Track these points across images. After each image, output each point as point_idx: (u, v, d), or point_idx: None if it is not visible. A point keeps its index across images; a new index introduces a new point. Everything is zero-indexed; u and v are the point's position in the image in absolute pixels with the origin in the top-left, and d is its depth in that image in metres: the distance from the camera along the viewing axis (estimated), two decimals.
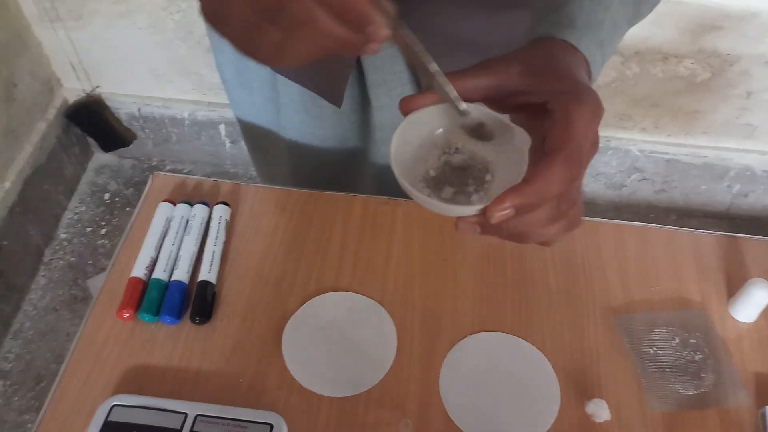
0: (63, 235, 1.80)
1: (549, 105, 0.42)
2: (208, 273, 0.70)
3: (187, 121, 1.82)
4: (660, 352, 0.66)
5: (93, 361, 0.66)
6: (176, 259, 0.72)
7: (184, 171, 1.96)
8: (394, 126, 0.45)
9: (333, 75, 0.75)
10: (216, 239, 0.73)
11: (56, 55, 1.69)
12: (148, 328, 0.68)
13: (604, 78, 1.53)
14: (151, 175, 0.83)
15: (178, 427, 0.59)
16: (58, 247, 1.78)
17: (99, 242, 1.79)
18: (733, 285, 0.71)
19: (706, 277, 0.73)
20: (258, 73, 0.82)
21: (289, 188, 0.80)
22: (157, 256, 0.72)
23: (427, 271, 0.73)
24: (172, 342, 0.67)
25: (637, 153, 1.69)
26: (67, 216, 1.84)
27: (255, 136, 0.94)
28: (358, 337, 0.67)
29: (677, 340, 0.67)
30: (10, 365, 1.56)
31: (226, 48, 0.80)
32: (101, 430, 0.59)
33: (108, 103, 1.80)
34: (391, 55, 0.72)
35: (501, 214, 0.40)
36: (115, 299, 0.69)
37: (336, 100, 0.78)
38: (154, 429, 0.59)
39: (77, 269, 1.73)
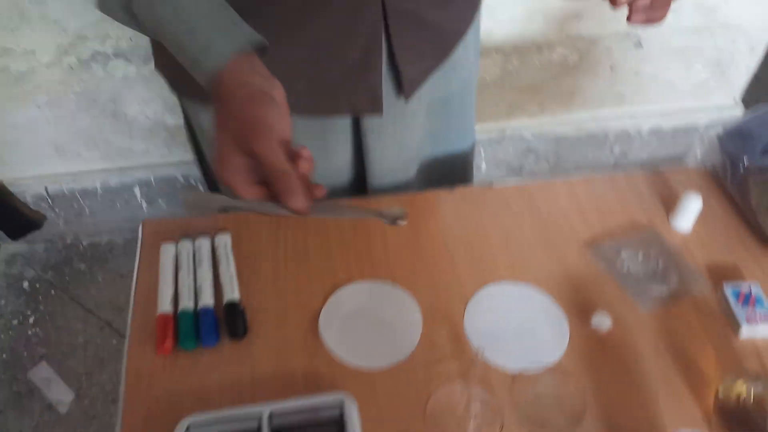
0: None
1: None
2: (231, 294, 0.75)
3: (99, 191, 1.79)
4: (632, 268, 0.79)
5: (145, 397, 0.68)
6: (196, 289, 0.76)
7: (103, 242, 1.92)
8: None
9: (366, 90, 0.79)
10: (228, 263, 0.78)
11: None
12: (190, 355, 0.71)
13: (491, 75, 1.70)
14: (140, 224, 0.85)
15: (256, 427, 0.64)
16: None
17: (30, 332, 1.71)
18: (667, 207, 0.86)
19: (646, 205, 0.87)
20: None
21: None
22: (176, 290, 0.76)
23: (426, 254, 0.82)
24: (217, 361, 0.71)
25: (530, 137, 1.88)
26: None
27: None
28: (384, 315, 0.75)
29: (641, 257, 0.80)
30: None
31: None
32: None
33: (12, 188, 1.74)
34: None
35: None
36: (145, 337, 0.72)
37: (378, 109, 0.81)
38: None
39: (14, 365, 1.64)
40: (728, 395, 0.64)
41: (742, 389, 0.63)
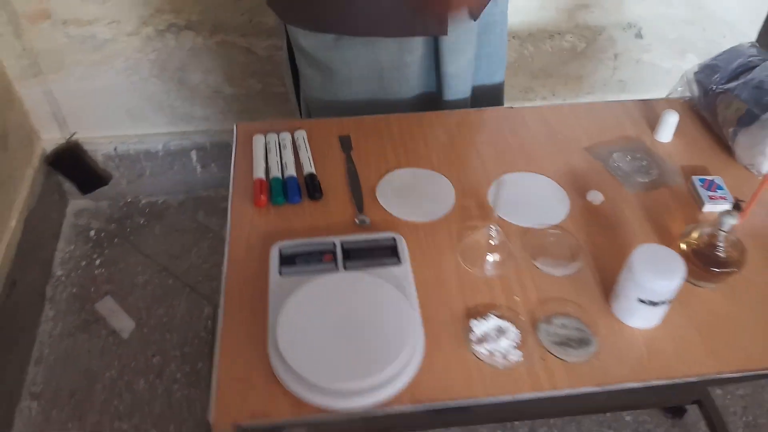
0: (59, 272, 1.93)
1: None
2: (309, 168, 0.98)
3: (161, 153, 2.03)
4: (621, 165, 1.01)
5: (246, 236, 0.90)
6: (283, 164, 0.98)
7: (159, 202, 2.15)
8: None
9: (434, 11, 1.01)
10: (306, 149, 1.01)
11: (37, 107, 1.86)
12: (280, 209, 0.94)
13: (508, 59, 1.93)
14: (235, 124, 1.08)
15: (333, 249, 0.85)
16: (57, 283, 1.90)
17: (96, 272, 1.93)
18: (652, 127, 1.08)
19: (637, 124, 1.10)
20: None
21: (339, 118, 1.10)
22: (267, 165, 0.98)
23: (459, 153, 1.04)
24: (300, 213, 0.93)
25: None
26: (59, 256, 1.97)
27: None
28: (425, 189, 0.97)
29: (629, 157, 1.02)
30: (39, 387, 1.66)
31: None
32: (281, 260, 0.84)
33: (86, 147, 1.98)
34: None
35: None
36: (243, 197, 0.95)
37: (444, 30, 1.03)
38: (317, 253, 0.85)
39: (81, 298, 1.87)
40: (688, 239, 0.85)
41: (696, 233, 0.84)
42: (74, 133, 1.96)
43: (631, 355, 0.77)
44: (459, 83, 1.12)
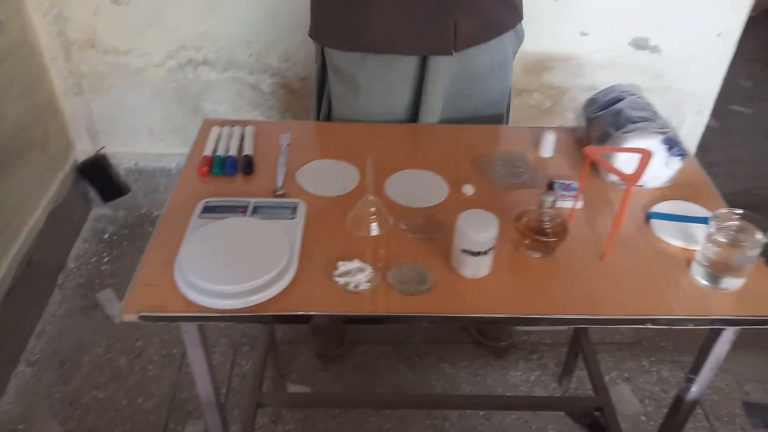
0: (72, 265, 2.21)
1: None
2: (248, 151, 1.23)
3: (173, 171, 2.33)
4: (500, 170, 1.22)
5: (188, 194, 1.15)
6: (228, 147, 1.24)
7: None
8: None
9: (439, 33, 1.31)
10: (251, 138, 1.27)
11: (75, 121, 2.21)
12: (218, 179, 1.19)
13: None
14: (203, 120, 1.35)
15: (246, 206, 1.09)
16: (68, 274, 2.18)
17: (103, 268, 2.21)
18: (533, 140, 1.30)
19: (525, 145, 1.31)
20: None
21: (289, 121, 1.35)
22: (216, 146, 1.24)
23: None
24: (233, 183, 1.18)
25: None
26: (74, 252, 2.26)
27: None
28: (337, 174, 1.20)
29: (509, 165, 1.24)
30: (36, 356, 1.91)
31: None
32: (203, 210, 1.08)
33: (111, 160, 2.30)
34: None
35: None
36: (192, 169, 1.20)
37: (447, 50, 1.33)
38: (233, 207, 1.08)
39: (86, 287, 2.13)
40: (524, 217, 1.04)
41: (529, 216, 1.04)
42: (103, 147, 2.29)
43: (458, 296, 0.96)
44: (430, 113, 1.41)
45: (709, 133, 2.30)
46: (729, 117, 3.08)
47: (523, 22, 1.45)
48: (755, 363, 1.88)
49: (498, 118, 1.50)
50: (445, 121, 1.42)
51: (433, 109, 1.39)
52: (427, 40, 1.31)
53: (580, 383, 1.83)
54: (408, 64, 1.35)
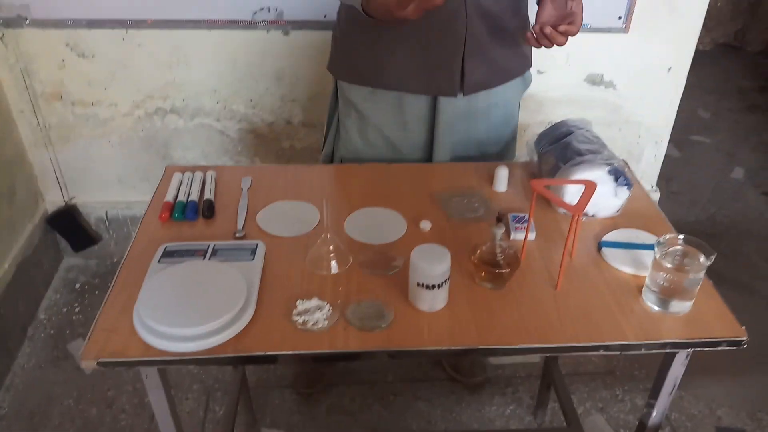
0: (42, 316, 2.19)
1: None
2: (209, 195, 1.25)
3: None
4: (456, 205, 1.25)
5: (149, 240, 1.16)
6: (189, 192, 1.26)
7: None
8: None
9: (446, 77, 1.36)
10: (212, 183, 1.29)
11: (44, 172, 2.22)
12: (180, 224, 1.20)
13: None
14: (165, 167, 1.37)
15: (205, 249, 1.11)
16: (38, 326, 2.16)
17: (74, 318, 2.19)
18: (490, 176, 1.33)
19: (483, 180, 1.35)
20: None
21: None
22: (178, 192, 1.26)
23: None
24: (194, 228, 1.20)
25: None
26: (45, 303, 2.24)
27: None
28: (296, 215, 1.22)
29: (465, 200, 1.27)
30: (4, 411, 1.88)
31: None
32: (162, 254, 1.09)
33: (81, 209, 2.31)
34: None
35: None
36: (153, 215, 1.22)
37: (453, 92, 1.38)
38: (193, 251, 1.10)
39: (57, 338, 2.11)
40: (478, 251, 1.07)
41: (482, 248, 1.07)
42: (73, 197, 2.30)
43: (416, 330, 0.98)
44: (442, 151, 1.46)
45: (671, 162, 2.37)
46: (690, 147, 3.17)
47: None
48: (726, 388, 1.90)
49: (505, 157, 1.56)
50: (455, 158, 1.48)
51: (445, 147, 1.45)
52: (435, 82, 1.38)
53: (554, 415, 1.84)
54: (419, 102, 1.42)
